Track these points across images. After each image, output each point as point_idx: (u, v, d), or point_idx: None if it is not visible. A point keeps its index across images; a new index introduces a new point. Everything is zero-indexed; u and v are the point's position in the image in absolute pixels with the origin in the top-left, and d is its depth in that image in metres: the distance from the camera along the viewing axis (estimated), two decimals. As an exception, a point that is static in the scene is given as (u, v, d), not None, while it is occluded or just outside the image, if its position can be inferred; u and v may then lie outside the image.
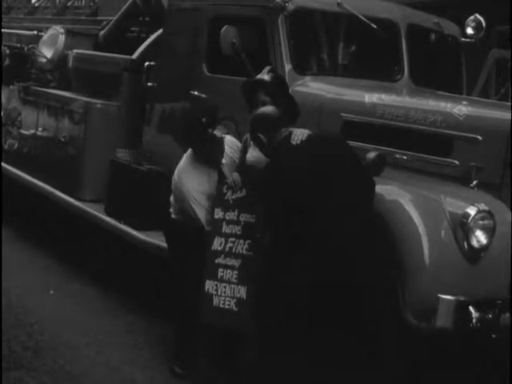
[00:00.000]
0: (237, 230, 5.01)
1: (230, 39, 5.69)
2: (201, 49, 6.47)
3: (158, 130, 7.07)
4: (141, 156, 7.17)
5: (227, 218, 5.07)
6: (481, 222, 4.62)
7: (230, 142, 5.42)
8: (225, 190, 5.14)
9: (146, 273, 6.87)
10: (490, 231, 4.64)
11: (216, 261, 5.05)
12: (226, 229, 5.05)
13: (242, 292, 4.92)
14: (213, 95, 6.21)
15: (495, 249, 4.68)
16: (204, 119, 5.27)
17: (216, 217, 5.12)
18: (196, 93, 6.40)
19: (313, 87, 5.89)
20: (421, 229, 4.58)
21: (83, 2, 10.19)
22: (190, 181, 5.32)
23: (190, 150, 5.45)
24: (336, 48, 6.25)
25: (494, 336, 4.55)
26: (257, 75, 5.68)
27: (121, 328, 6.09)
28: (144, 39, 8.16)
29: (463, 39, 6.78)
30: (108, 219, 6.99)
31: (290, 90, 5.83)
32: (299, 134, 4.70)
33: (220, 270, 5.02)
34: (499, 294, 4.66)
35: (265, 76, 5.22)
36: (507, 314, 4.64)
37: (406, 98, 5.83)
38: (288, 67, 5.90)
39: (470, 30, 6.67)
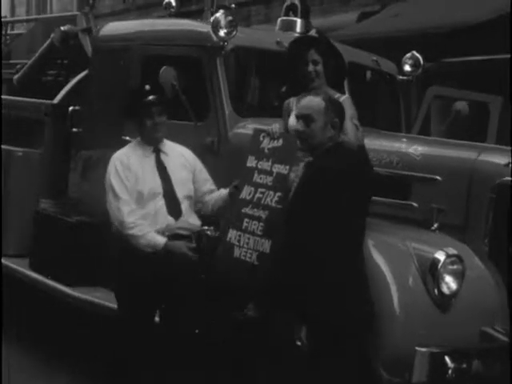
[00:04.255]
0: (268, 180, 4.74)
1: (169, 81, 5.37)
2: (133, 91, 6.12)
3: (84, 178, 6.67)
4: (66, 206, 6.77)
5: (259, 167, 4.81)
6: (450, 267, 4.41)
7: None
8: (261, 138, 4.87)
9: (78, 332, 6.42)
10: (459, 276, 4.44)
11: (243, 210, 4.78)
12: (257, 178, 4.79)
13: (265, 245, 4.61)
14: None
15: (464, 294, 4.48)
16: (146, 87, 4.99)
17: (249, 165, 4.86)
18: (128, 138, 6.04)
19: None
20: (389, 277, 4.33)
21: (-7, 45, 9.73)
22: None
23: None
24: (278, 88, 5.98)
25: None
26: (196, 119, 5.43)
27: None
28: (62, 83, 7.80)
29: (400, 77, 6.65)
30: (34, 275, 6.54)
31: (231, 133, 5.59)
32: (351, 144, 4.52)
33: (246, 220, 4.74)
34: (471, 341, 4.45)
35: (312, 33, 5.05)
36: (476, 361, 4.43)
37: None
38: (228, 110, 5.62)
39: (407, 68, 6.56)
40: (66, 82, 7.70)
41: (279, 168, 4.73)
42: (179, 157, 5.09)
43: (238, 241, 4.74)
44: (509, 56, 8.90)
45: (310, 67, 4.92)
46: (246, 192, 4.82)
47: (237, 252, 4.73)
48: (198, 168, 5.13)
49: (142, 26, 6.38)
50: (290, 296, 4.06)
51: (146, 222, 4.82)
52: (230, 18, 5.53)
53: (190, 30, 5.95)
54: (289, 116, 5.04)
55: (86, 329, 6.35)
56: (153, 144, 5.01)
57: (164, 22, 6.29)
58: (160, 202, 4.90)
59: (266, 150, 4.84)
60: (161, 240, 4.79)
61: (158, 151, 5.02)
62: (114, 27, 6.66)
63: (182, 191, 4.97)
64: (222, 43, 5.59)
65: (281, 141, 4.80)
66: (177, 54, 5.84)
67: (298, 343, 4.11)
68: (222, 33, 5.51)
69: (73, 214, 6.52)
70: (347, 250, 4.06)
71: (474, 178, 4.74)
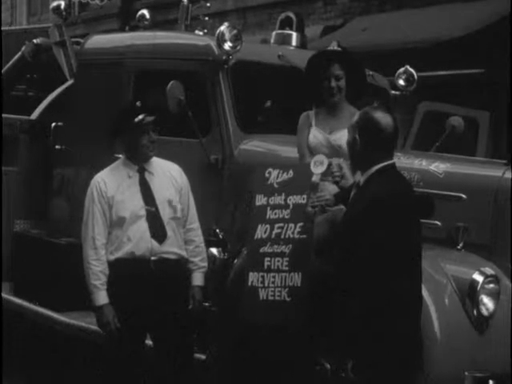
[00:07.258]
0: (285, 214, 4.58)
1: (177, 96, 5.13)
2: (124, 107, 5.85)
3: (68, 197, 6.38)
4: (49, 227, 6.48)
5: (271, 202, 4.65)
6: (488, 288, 4.32)
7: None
8: (267, 175, 4.71)
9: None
10: (496, 296, 4.35)
11: (261, 250, 4.59)
12: (271, 214, 4.62)
13: (295, 279, 4.43)
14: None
15: (499, 315, 4.39)
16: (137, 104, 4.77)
17: (258, 203, 4.69)
18: (121, 155, 5.79)
19: (259, 146, 5.45)
20: (428, 301, 4.19)
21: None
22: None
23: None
24: (284, 103, 5.80)
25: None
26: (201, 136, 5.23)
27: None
28: (33, 98, 7.48)
29: (393, 92, 6.55)
30: (18, 301, 6.23)
31: (236, 150, 5.40)
32: None
33: (266, 259, 4.55)
34: (505, 363, 4.34)
35: (334, 46, 4.87)
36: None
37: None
38: (232, 126, 5.43)
39: (401, 82, 6.45)
40: (38, 97, 7.43)
41: (295, 199, 4.60)
42: (165, 175, 4.85)
43: (262, 282, 4.56)
44: (481, 70, 9.00)
45: (333, 82, 4.77)
46: (261, 231, 4.66)
47: (262, 294, 4.55)
48: (184, 189, 4.87)
49: (134, 39, 6.11)
50: (337, 326, 3.82)
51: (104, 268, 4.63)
52: (235, 31, 5.35)
53: (190, 43, 5.75)
54: (309, 130, 4.87)
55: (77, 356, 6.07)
56: (140, 163, 4.79)
57: (159, 35, 6.05)
58: (143, 226, 4.68)
59: (276, 185, 4.70)
60: (101, 300, 4.61)
61: (142, 170, 4.80)
62: (100, 40, 6.41)
63: (167, 213, 4.75)
64: (225, 57, 5.40)
65: (291, 172, 4.69)
66: (175, 68, 5.62)
67: (342, 375, 3.90)
68: (226, 46, 5.32)
69: (59, 235, 6.23)
70: (405, 286, 3.74)
71: (501, 196, 4.65)
